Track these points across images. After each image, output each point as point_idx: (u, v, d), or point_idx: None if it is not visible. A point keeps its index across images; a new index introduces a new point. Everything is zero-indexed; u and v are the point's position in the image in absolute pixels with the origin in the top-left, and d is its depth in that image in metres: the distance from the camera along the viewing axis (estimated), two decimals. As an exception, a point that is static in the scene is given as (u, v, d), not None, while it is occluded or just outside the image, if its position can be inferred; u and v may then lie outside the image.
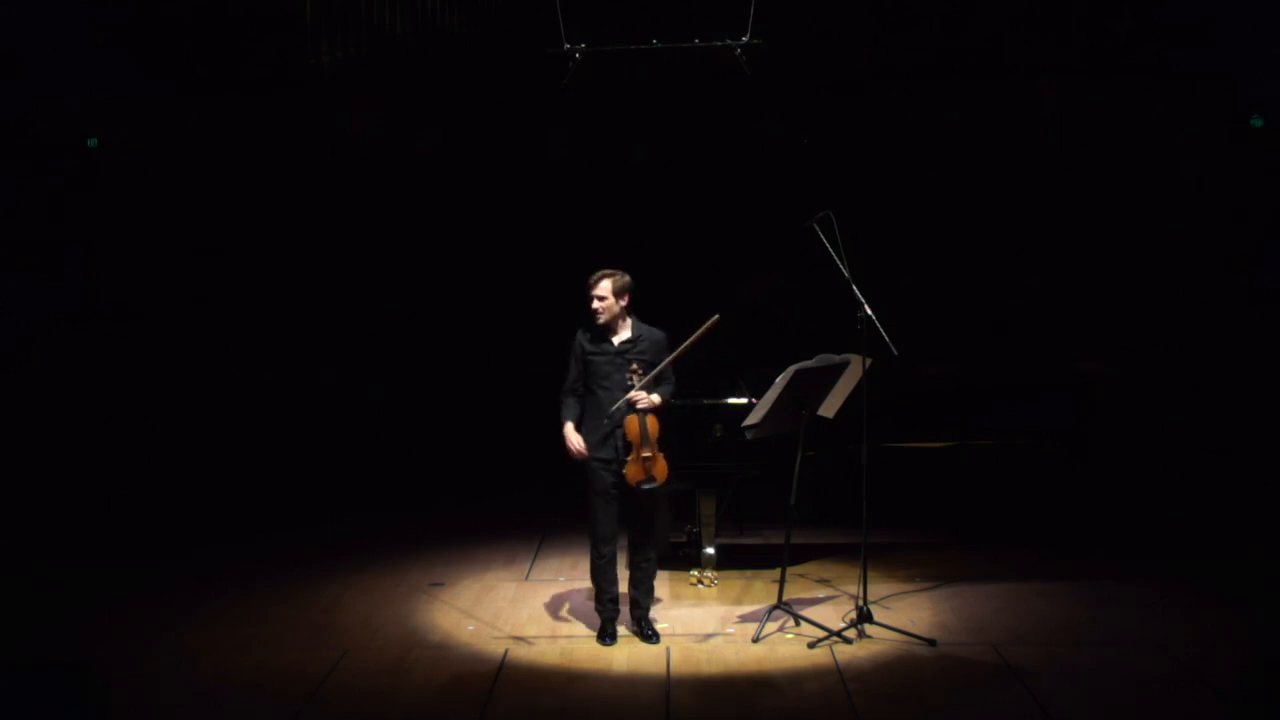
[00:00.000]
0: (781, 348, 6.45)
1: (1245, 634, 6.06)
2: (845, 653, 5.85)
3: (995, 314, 9.43)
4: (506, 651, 5.97)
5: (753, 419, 6.15)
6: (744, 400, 6.83)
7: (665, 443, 5.93)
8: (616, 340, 6.03)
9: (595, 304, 5.98)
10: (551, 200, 9.86)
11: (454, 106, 9.74)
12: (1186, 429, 9.31)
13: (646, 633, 6.10)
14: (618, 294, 5.99)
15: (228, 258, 9.91)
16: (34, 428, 9.44)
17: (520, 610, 6.58)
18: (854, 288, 6.10)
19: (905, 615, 6.34)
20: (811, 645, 5.93)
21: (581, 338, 6.05)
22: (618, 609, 6.16)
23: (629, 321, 6.06)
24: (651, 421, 5.90)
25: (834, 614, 6.37)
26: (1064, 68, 9.54)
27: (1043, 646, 5.92)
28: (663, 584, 7.02)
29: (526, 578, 7.23)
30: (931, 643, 5.94)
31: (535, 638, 6.16)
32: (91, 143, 9.70)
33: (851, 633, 6.03)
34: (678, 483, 7.11)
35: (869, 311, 6.06)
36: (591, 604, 6.64)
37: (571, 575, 7.26)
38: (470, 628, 6.34)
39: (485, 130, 9.82)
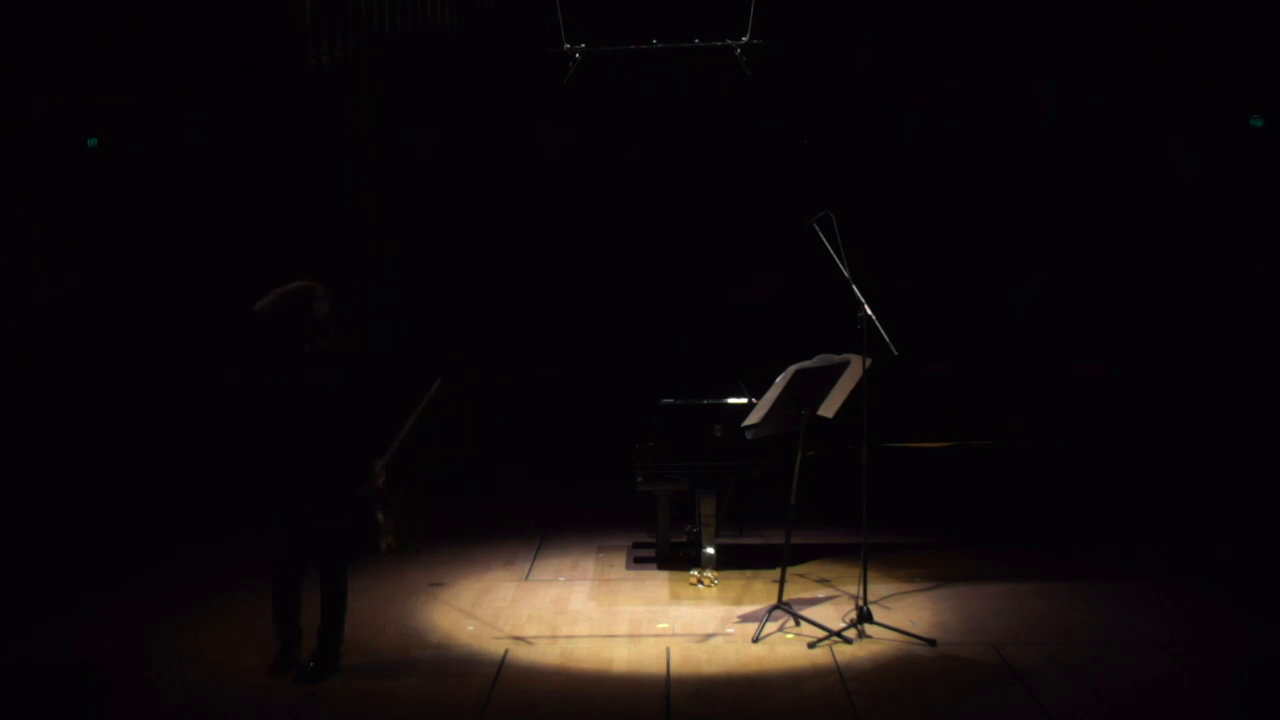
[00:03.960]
0: (781, 348, 6.46)
1: (1245, 634, 6.05)
2: (845, 653, 5.84)
3: (995, 314, 9.43)
4: (506, 651, 5.97)
5: (753, 419, 6.15)
6: (744, 400, 6.83)
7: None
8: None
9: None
10: (551, 200, 9.85)
11: (453, 106, 9.73)
12: (1186, 429, 9.30)
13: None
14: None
15: (227, 258, 9.89)
16: (33, 428, 9.43)
17: (520, 610, 6.57)
18: (854, 288, 6.10)
19: (905, 615, 6.34)
20: (811, 645, 5.92)
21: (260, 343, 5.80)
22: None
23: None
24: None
25: (834, 614, 6.37)
26: (1063, 67, 9.54)
27: (1043, 646, 5.92)
28: (662, 584, 7.03)
29: (526, 578, 7.23)
30: (931, 643, 5.94)
31: (535, 638, 6.16)
32: (91, 143, 9.69)
33: (851, 633, 6.03)
34: (677, 483, 7.13)
35: (869, 311, 6.06)
36: (592, 604, 6.66)
37: (571, 575, 7.26)
38: (470, 628, 6.34)
39: (484, 130, 9.81)
